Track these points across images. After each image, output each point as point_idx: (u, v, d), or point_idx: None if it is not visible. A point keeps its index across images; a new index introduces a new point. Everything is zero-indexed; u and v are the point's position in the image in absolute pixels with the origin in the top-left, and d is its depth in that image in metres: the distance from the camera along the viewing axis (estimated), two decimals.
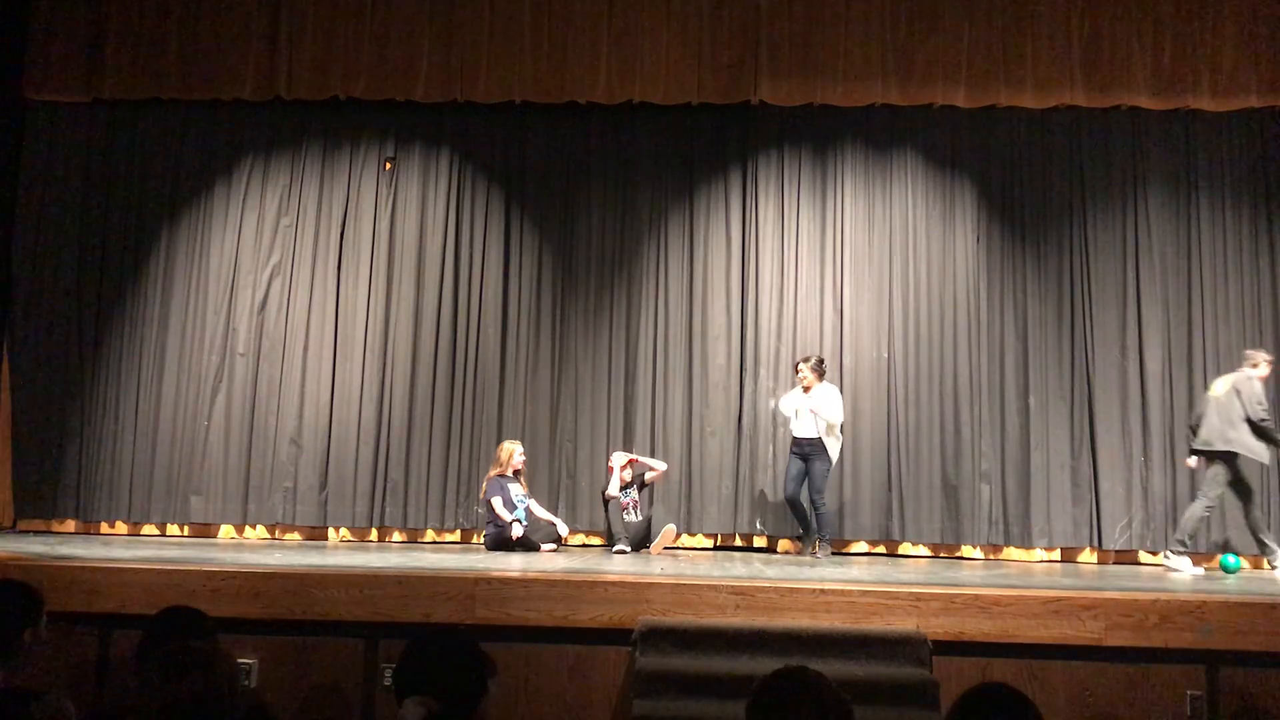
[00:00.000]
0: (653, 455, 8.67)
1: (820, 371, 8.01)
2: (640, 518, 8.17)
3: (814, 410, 7.83)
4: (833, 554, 8.09)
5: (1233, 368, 7.92)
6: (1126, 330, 8.71)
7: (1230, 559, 7.67)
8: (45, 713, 2.70)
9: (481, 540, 8.23)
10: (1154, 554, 8.34)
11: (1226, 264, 8.75)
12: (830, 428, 7.88)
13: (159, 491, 8.70)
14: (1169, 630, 5.20)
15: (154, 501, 8.69)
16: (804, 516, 8.01)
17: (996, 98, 8.76)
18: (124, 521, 8.72)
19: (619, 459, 8.32)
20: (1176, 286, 8.73)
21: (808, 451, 7.88)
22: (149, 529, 8.72)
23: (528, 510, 8.05)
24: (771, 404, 8.59)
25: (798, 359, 8.23)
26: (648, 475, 8.39)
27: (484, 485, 8.14)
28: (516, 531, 7.76)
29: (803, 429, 7.93)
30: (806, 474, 7.89)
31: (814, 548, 7.99)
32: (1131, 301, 8.73)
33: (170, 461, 8.73)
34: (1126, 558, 8.47)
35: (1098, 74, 8.69)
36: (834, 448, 7.93)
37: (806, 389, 7.93)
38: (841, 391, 8.66)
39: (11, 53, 8.92)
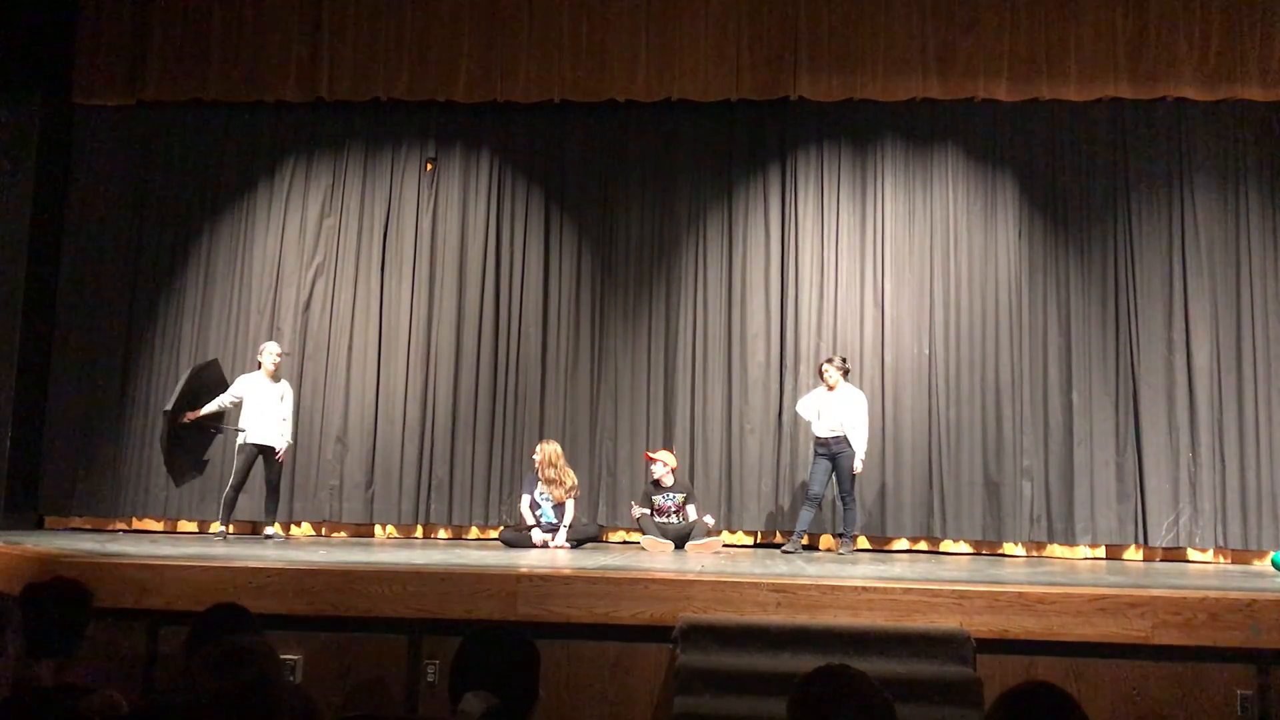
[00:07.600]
0: (692, 452, 8.70)
1: (845, 372, 7.97)
2: (681, 522, 8.14)
3: (843, 422, 7.76)
4: (859, 551, 8.10)
5: None
6: (1173, 324, 8.56)
7: None
8: (97, 706, 2.76)
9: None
10: (1203, 551, 8.23)
11: (1277, 256, 8.57)
12: (854, 429, 7.80)
13: (210, 489, 8.80)
14: (1218, 629, 5.10)
15: (204, 499, 8.81)
16: (811, 519, 7.94)
17: (1039, 90, 8.66)
18: (185, 519, 8.91)
19: (667, 459, 8.25)
20: (1224, 280, 8.57)
21: (835, 450, 7.81)
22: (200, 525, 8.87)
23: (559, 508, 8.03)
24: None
25: (823, 357, 8.18)
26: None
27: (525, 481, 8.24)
28: (536, 537, 7.82)
29: (825, 429, 7.85)
30: (834, 472, 7.86)
31: (836, 544, 8.12)
32: (1178, 295, 8.58)
33: (219, 459, 8.83)
34: (1174, 555, 8.34)
35: (1143, 65, 8.56)
36: (860, 446, 7.81)
37: (830, 388, 7.89)
38: (882, 388, 8.63)
39: (59, 59, 9.06)
